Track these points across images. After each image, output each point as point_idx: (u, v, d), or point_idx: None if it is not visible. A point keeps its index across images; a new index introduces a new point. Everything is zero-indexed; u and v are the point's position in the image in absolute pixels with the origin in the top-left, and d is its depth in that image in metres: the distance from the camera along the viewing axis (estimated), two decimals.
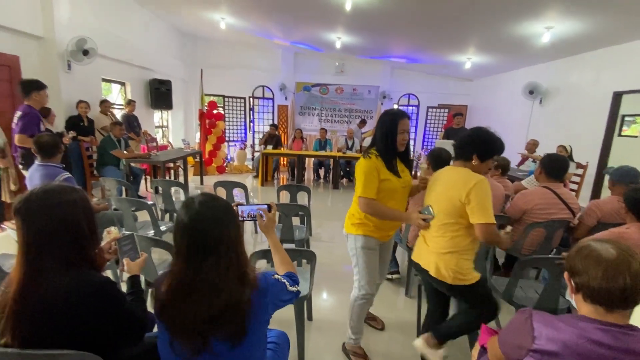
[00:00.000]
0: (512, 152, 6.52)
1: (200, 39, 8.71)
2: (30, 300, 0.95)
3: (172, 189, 3.39)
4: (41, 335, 0.96)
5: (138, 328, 1.10)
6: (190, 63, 8.69)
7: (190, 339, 0.89)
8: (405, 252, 3.07)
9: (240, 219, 1.38)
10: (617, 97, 5.00)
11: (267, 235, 1.37)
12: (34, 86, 3.35)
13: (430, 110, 9.12)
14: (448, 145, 6.42)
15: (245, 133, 9.16)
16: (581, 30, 4.68)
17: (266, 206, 1.41)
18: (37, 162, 2.49)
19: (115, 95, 6.51)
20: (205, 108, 7.30)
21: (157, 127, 7.86)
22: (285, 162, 7.94)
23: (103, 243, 1.33)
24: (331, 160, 7.12)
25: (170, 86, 7.32)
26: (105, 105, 5.30)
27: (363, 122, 7.99)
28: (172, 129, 8.61)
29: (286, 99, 9.03)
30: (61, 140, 3.10)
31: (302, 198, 3.54)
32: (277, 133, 7.58)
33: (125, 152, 4.77)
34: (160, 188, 3.38)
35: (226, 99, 8.87)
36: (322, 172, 7.40)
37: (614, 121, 5.07)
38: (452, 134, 6.51)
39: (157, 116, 7.93)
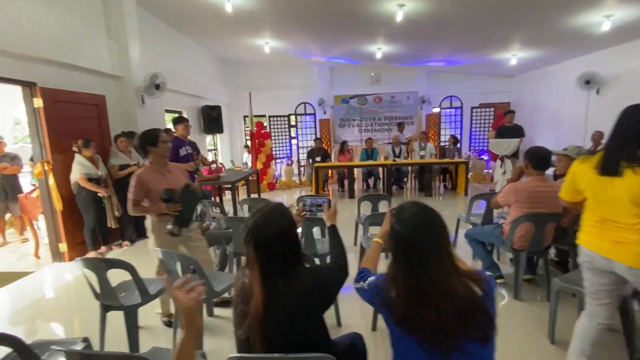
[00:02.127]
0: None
1: (239, 64, 9.15)
2: (273, 308, 1.06)
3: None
4: (283, 337, 1.07)
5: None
6: (232, 87, 9.13)
7: (439, 342, 0.94)
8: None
9: (305, 211, 1.62)
10: None
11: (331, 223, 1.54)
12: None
13: (474, 110, 8.98)
14: (506, 144, 6.24)
15: (290, 149, 9.40)
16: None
17: (327, 200, 1.63)
18: None
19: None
20: (254, 129, 7.60)
21: (208, 150, 8.26)
22: (331, 175, 8.07)
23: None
24: (380, 169, 7.16)
25: (220, 111, 7.71)
26: (169, 133, 5.67)
27: (401, 126, 8.00)
28: (221, 151, 9.01)
29: (325, 112, 9.22)
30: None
31: (383, 207, 3.56)
32: (322, 147, 7.74)
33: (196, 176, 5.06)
34: (249, 206, 3.54)
35: (271, 118, 9.19)
36: (371, 181, 7.43)
37: None
38: (505, 132, 6.38)
39: (207, 140, 8.34)
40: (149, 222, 2.31)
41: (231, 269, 2.89)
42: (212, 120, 7.55)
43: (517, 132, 6.38)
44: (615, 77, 5.98)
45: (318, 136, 8.72)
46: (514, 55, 6.91)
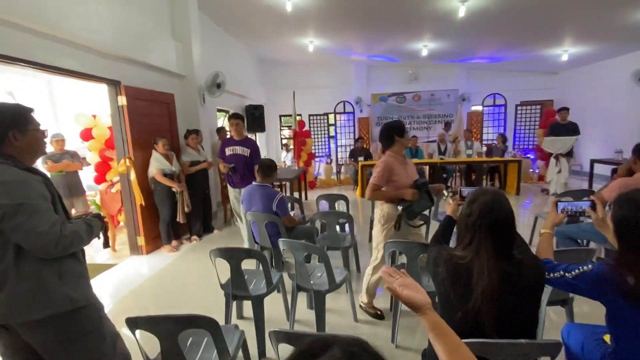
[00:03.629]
0: (623, 146, 6.09)
1: (276, 64, 9.22)
2: (504, 292, 1.07)
3: (336, 202, 3.59)
4: (513, 321, 1.09)
5: None
6: (269, 87, 9.21)
7: None
8: None
9: (565, 215, 1.51)
10: None
11: (603, 231, 1.41)
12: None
13: (518, 108, 8.79)
14: (561, 142, 6.08)
15: (329, 148, 9.42)
16: None
17: (590, 202, 1.47)
18: (255, 182, 2.77)
19: (220, 122, 7.07)
20: (297, 128, 7.65)
21: None
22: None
23: None
24: (426, 167, 7.09)
25: (262, 110, 7.79)
26: (222, 132, 5.78)
27: (448, 125, 7.91)
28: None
29: (361, 111, 9.21)
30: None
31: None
32: (364, 146, 7.73)
33: None
34: (325, 202, 3.57)
35: (310, 117, 9.24)
36: None
37: None
38: (559, 130, 6.23)
39: None
40: (379, 211, 2.39)
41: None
42: (255, 119, 7.64)
43: (572, 129, 6.22)
44: None
45: (357, 135, 8.71)
46: (565, 51, 6.75)
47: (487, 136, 8.95)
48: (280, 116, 9.83)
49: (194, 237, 4.41)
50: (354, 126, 9.30)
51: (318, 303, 2.02)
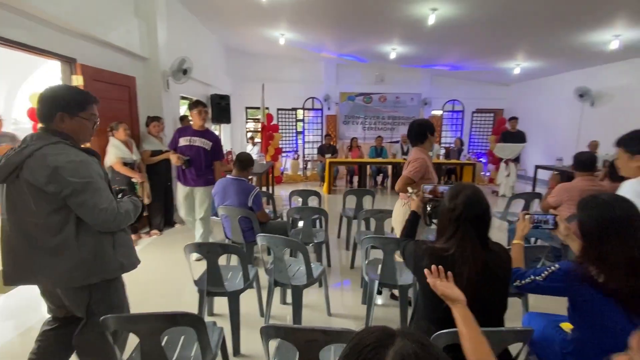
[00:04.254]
0: (564, 153, 6.81)
1: (244, 55, 8.96)
2: (485, 277, 1.18)
3: (309, 198, 3.59)
4: (491, 304, 1.24)
5: None
6: (236, 78, 8.92)
7: None
8: None
9: (531, 222, 1.60)
10: None
11: (569, 242, 1.53)
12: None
13: (474, 115, 9.41)
14: (510, 148, 6.61)
15: (296, 143, 9.37)
16: None
17: (553, 217, 1.59)
18: (229, 176, 2.68)
19: (183, 110, 6.71)
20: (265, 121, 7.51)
21: None
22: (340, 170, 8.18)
23: None
24: (389, 167, 7.35)
25: (229, 101, 7.53)
26: (186, 121, 5.51)
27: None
28: (223, 141, 8.81)
29: (329, 109, 9.28)
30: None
31: (367, 202, 3.82)
32: (331, 143, 7.81)
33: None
34: (295, 197, 3.56)
35: (278, 111, 9.12)
36: (379, 178, 7.61)
37: None
38: (509, 137, 6.79)
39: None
40: (404, 208, 2.35)
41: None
42: (221, 109, 7.37)
43: (520, 137, 6.82)
44: (610, 91, 6.54)
45: (325, 132, 8.77)
46: (517, 65, 7.34)
47: (446, 140, 9.48)
48: (247, 108, 9.57)
49: (154, 231, 4.17)
50: (321, 123, 9.35)
51: (296, 298, 2.02)
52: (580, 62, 6.83)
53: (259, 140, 7.79)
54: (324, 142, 7.89)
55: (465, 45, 6.60)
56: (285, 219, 3.12)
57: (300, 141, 9.45)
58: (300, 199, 3.61)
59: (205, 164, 3.32)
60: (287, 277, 2.08)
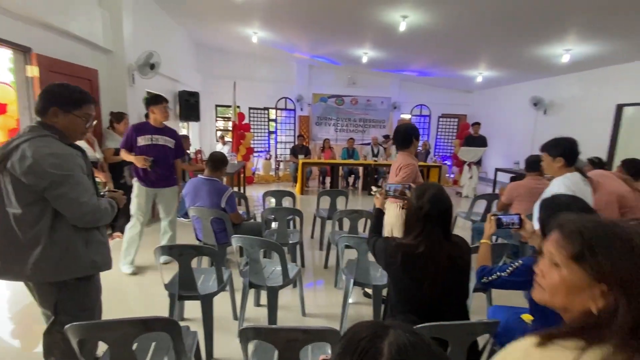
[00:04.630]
0: (520, 157, 7.32)
1: (214, 51, 8.74)
2: (452, 267, 1.33)
3: (283, 199, 3.57)
4: (455, 291, 1.39)
5: None
6: (206, 74, 8.68)
7: None
8: None
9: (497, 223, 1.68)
10: (619, 108, 5.88)
11: (532, 242, 1.61)
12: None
13: (440, 119, 9.82)
14: (473, 152, 6.97)
15: (269, 143, 9.27)
16: (592, 52, 5.49)
17: (518, 216, 1.67)
18: (201, 175, 2.60)
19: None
20: (236, 120, 7.37)
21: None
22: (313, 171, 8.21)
23: None
24: (360, 168, 7.49)
25: (198, 98, 7.30)
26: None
27: (387, 137, 8.48)
28: (191, 140, 8.52)
29: (301, 109, 9.28)
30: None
31: (340, 202, 3.88)
32: (304, 144, 7.83)
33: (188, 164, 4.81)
34: (273, 199, 3.53)
35: (250, 110, 8.97)
36: (351, 179, 7.73)
37: (617, 131, 5.95)
38: (471, 142, 7.18)
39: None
40: (397, 213, 2.36)
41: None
42: (189, 106, 7.13)
43: (482, 142, 7.23)
44: (561, 100, 7.11)
45: (298, 133, 8.76)
46: (480, 74, 7.77)
47: None
48: (217, 106, 9.33)
49: (117, 233, 3.95)
50: (294, 123, 9.33)
51: (271, 299, 2.01)
52: (535, 73, 7.36)
53: (230, 139, 7.64)
54: (296, 143, 7.88)
55: (432, 53, 6.89)
56: (258, 220, 3.08)
57: (272, 141, 9.37)
58: (273, 200, 3.58)
59: (170, 163, 3.13)
60: (263, 279, 2.06)
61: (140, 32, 5.04)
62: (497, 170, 7.14)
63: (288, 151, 8.44)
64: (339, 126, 9.36)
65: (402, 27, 5.08)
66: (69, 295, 1.39)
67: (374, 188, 2.16)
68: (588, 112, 6.43)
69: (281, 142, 9.27)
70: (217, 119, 9.51)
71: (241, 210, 3.13)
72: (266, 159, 8.40)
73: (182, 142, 3.31)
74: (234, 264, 3.20)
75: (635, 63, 5.64)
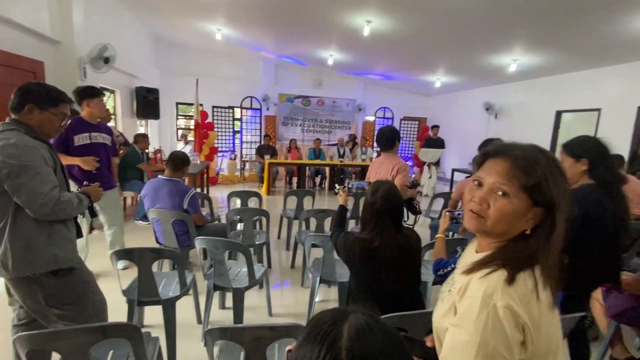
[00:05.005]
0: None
1: (174, 46, 8.41)
2: (405, 256, 1.49)
3: (249, 199, 3.52)
4: (410, 277, 1.54)
5: None
6: (166, 70, 8.32)
7: None
8: None
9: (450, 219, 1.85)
10: (558, 114, 6.50)
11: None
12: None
13: (402, 122, 10.20)
14: (432, 153, 7.32)
15: (233, 143, 9.06)
16: (535, 62, 6.02)
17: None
18: (161, 176, 2.51)
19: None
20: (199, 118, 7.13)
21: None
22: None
23: None
24: (327, 169, 7.59)
25: (157, 95, 6.99)
26: (107, 116, 4.98)
27: (352, 137, 8.64)
28: (151, 139, 8.11)
29: (267, 109, 9.20)
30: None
31: (307, 202, 3.93)
32: (270, 144, 7.77)
33: (148, 164, 4.59)
34: (239, 200, 3.47)
35: (214, 109, 8.72)
36: (318, 179, 7.79)
37: (556, 135, 6.57)
38: (431, 143, 7.55)
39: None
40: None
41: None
42: (148, 103, 6.79)
43: (440, 143, 7.62)
44: (509, 106, 7.70)
45: (264, 132, 8.67)
46: (438, 79, 8.19)
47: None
48: (178, 104, 8.97)
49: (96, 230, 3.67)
50: (260, 123, 9.22)
51: (237, 300, 1.99)
52: (487, 80, 7.90)
53: (192, 138, 7.38)
54: (262, 143, 7.79)
55: (395, 58, 7.15)
56: (223, 221, 3.03)
57: (237, 141, 9.18)
58: (239, 201, 3.53)
59: (109, 162, 2.87)
60: (229, 280, 2.03)
61: (93, 22, 4.72)
62: (453, 170, 7.57)
63: (254, 151, 8.32)
64: (305, 127, 9.40)
65: (366, 31, 5.22)
66: (50, 292, 1.38)
67: (337, 186, 2.25)
68: (532, 117, 7.03)
69: (247, 141, 9.12)
70: (179, 116, 9.15)
71: (205, 211, 3.04)
72: (231, 159, 8.22)
73: (114, 138, 3.03)
74: (197, 267, 3.11)
75: (571, 74, 6.26)
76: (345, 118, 9.62)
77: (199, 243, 2.00)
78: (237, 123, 9.19)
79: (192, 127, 7.38)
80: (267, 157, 7.26)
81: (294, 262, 3.34)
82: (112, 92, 6.04)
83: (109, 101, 6.06)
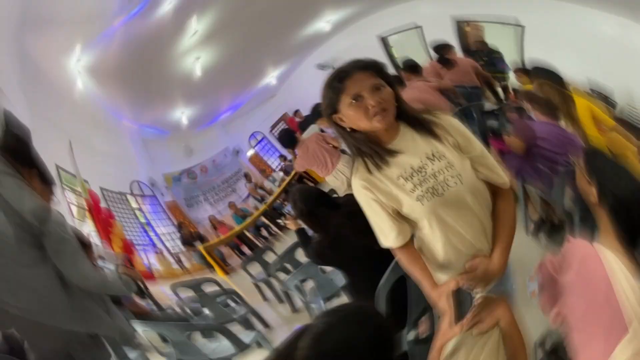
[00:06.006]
0: None
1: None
2: None
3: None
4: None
5: None
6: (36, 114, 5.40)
7: None
8: None
9: None
10: None
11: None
12: None
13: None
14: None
15: (148, 236, 7.32)
16: None
17: None
18: None
19: None
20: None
21: None
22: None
23: None
24: (262, 218, 7.16)
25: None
26: None
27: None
28: None
29: (162, 194, 7.97)
30: None
31: (270, 256, 3.81)
32: (192, 230, 6.99)
33: None
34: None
35: (104, 193, 6.74)
36: (263, 231, 7.26)
37: None
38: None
39: None
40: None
41: None
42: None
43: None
44: None
45: (176, 221, 7.56)
46: None
47: None
48: (59, 169, 5.64)
49: None
50: (164, 212, 7.89)
51: None
52: None
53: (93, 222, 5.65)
54: (183, 232, 6.89)
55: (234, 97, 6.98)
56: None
57: (152, 234, 7.48)
58: (191, 291, 2.97)
59: None
60: (202, 353, 1.86)
61: None
62: None
63: (179, 242, 7.21)
64: (210, 199, 8.51)
65: (198, 70, 4.95)
66: None
67: (281, 221, 2.33)
68: None
69: (164, 233, 7.60)
70: (64, 186, 6.02)
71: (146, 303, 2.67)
72: (157, 253, 6.93)
73: None
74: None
75: None
76: (233, 169, 9.01)
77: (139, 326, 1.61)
78: (140, 214, 7.57)
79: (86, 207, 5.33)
80: (197, 243, 6.48)
81: (293, 307, 3.13)
82: None
83: None
